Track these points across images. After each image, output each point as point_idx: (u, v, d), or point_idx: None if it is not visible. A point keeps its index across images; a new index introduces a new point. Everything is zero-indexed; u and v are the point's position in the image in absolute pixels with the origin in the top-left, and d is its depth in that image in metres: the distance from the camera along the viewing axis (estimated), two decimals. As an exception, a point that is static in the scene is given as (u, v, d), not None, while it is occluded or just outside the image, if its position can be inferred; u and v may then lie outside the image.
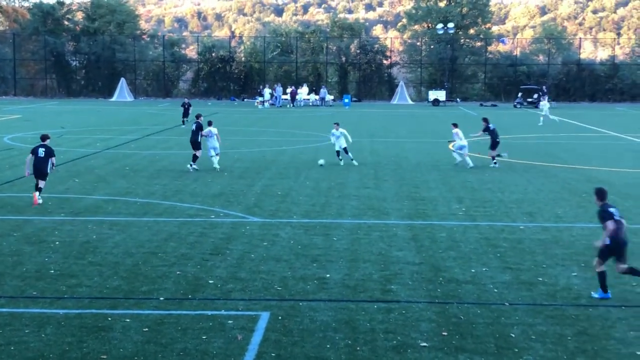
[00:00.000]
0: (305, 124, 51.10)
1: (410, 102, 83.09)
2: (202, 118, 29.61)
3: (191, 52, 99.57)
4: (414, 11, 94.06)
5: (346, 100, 76.25)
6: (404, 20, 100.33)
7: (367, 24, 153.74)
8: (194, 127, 28.87)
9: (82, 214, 19.95)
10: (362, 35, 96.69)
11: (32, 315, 11.93)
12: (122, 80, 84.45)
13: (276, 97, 74.47)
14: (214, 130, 28.61)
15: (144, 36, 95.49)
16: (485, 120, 30.80)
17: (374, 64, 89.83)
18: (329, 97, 77.41)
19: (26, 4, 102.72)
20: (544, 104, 56.08)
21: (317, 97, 76.91)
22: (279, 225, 18.88)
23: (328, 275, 14.37)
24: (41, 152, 21.47)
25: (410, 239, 17.48)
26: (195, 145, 28.35)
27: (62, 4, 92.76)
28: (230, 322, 11.77)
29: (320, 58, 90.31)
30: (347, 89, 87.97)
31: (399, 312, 12.36)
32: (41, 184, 21.35)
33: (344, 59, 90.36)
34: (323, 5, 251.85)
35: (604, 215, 13.12)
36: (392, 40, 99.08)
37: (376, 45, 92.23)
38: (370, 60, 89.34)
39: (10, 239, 16.89)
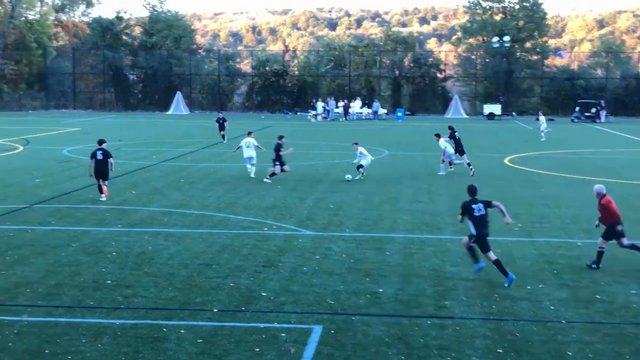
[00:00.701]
0: (357, 137, 50.95)
1: (464, 115, 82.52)
2: (284, 140, 29.61)
3: (245, 66, 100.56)
4: (469, 24, 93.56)
5: (399, 114, 76.06)
6: (459, 33, 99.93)
7: (421, 37, 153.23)
8: (275, 146, 29.21)
9: (139, 225, 20.23)
10: (416, 49, 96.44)
11: (89, 325, 12.11)
12: (178, 93, 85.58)
13: (329, 111, 74.66)
14: (252, 141, 29.95)
15: (199, 50, 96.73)
16: (450, 128, 31.98)
17: (428, 78, 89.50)
18: (382, 111, 77.36)
19: (86, 19, 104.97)
20: (542, 118, 54.57)
21: (369, 110, 76.89)
22: (331, 238, 18.89)
23: (381, 290, 14.31)
24: (100, 154, 23.83)
25: (465, 255, 17.28)
26: (278, 159, 28.77)
27: (120, 19, 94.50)
28: (283, 335, 11.80)
29: (373, 71, 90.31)
30: (400, 102, 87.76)
31: (452, 329, 12.25)
32: (104, 183, 23.70)
33: (397, 72, 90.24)
34: (377, 19, 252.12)
35: (464, 209, 15.21)
36: (446, 53, 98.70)
37: (430, 59, 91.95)
38: (424, 74, 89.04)
39: (69, 250, 17.21)
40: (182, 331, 11.87)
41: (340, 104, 76.78)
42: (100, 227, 19.89)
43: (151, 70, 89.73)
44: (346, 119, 74.07)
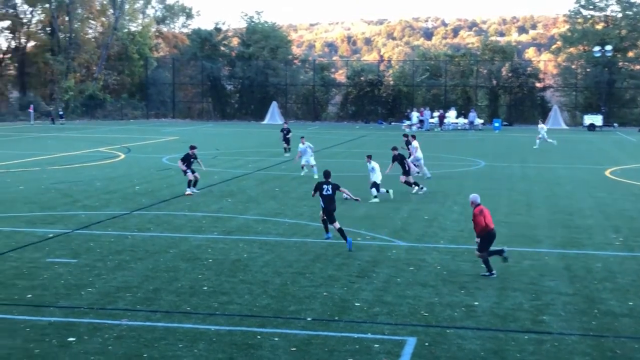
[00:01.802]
0: (452, 148, 50.52)
1: (564, 126, 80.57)
2: (397, 151, 29.20)
3: (340, 76, 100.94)
4: (569, 33, 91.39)
5: (496, 124, 74.88)
6: (559, 42, 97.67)
7: (519, 46, 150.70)
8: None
9: (234, 233, 20.52)
10: (514, 58, 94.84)
11: (186, 330, 12.33)
12: (274, 103, 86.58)
13: (423, 121, 74.15)
14: (307, 145, 33.15)
15: (295, 61, 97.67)
16: (394, 149, 30.37)
17: (526, 88, 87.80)
18: (479, 121, 76.32)
19: (186, 30, 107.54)
20: (541, 127, 53.30)
21: (465, 120, 76.01)
22: (425, 250, 18.71)
23: (476, 303, 14.08)
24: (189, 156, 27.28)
25: (564, 269, 16.88)
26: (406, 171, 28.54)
27: (219, 30, 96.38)
28: (376, 346, 11.73)
29: (469, 81, 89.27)
30: (498, 112, 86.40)
31: (550, 344, 11.93)
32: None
33: (494, 82, 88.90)
34: (474, 28, 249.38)
35: (316, 187, 19.49)
36: (545, 63, 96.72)
37: (529, 68, 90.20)
38: (522, 84, 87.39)
39: (167, 256, 17.59)
40: (276, 339, 11.94)
41: (436, 114, 76.17)
42: (197, 234, 20.26)
43: (248, 80, 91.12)
44: (441, 129, 73.42)
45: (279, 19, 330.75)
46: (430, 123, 74.70)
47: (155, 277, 15.57)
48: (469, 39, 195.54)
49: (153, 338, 11.88)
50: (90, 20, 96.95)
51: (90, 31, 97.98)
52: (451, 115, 76.61)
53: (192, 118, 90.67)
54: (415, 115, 74.34)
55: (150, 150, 46.15)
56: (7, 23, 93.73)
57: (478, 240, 16.14)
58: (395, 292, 14.78)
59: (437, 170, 36.09)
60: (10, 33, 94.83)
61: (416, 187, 28.65)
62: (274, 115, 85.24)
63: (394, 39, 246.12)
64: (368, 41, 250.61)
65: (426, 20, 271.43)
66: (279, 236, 20.11)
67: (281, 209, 24.61)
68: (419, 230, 21.27)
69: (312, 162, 33.50)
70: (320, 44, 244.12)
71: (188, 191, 27.45)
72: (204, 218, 22.62)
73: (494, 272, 16.07)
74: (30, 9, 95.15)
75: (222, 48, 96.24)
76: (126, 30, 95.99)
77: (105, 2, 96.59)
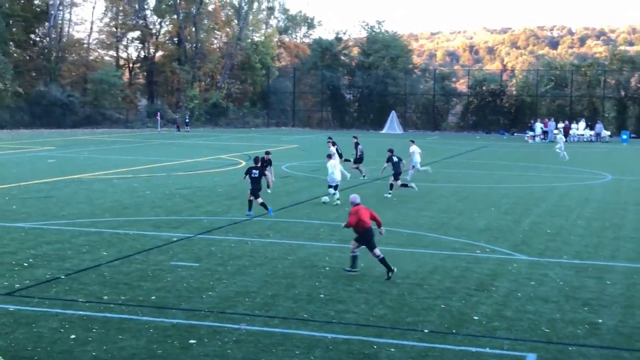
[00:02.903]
0: (577, 160, 49.02)
1: (697, 139, 76.91)
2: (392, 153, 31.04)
3: (461, 85, 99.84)
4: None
5: (624, 137, 72.23)
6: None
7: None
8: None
9: (351, 241, 20.51)
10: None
11: (303, 337, 12.42)
12: (393, 113, 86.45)
13: (547, 132, 72.34)
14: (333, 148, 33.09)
15: (415, 70, 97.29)
16: (390, 151, 31.71)
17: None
18: (606, 133, 73.80)
19: (307, 40, 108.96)
20: (560, 137, 51.07)
21: (592, 132, 73.66)
22: (547, 264, 18.21)
23: (600, 321, 13.58)
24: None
25: (695, 288, 16.07)
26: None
27: (339, 39, 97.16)
28: (494, 361, 11.49)
29: (596, 92, 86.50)
30: (626, 124, 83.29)
31: (680, 367, 11.38)
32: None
33: (623, 93, 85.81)
34: (602, 38, 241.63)
35: (247, 170, 24.77)
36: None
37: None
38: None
39: (285, 262, 17.80)
40: (393, 349, 11.87)
41: (560, 125, 74.16)
42: (315, 242, 20.42)
43: (367, 89, 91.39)
44: (566, 141, 71.37)
45: (400, 28, 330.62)
46: (554, 134, 72.82)
47: (274, 283, 15.77)
48: (596, 48, 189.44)
49: (271, 343, 12.03)
50: (215, 31, 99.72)
51: (215, 41, 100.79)
52: (580, 126, 74.40)
53: (312, 127, 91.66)
54: (539, 126, 72.64)
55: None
56: (137, 33, 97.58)
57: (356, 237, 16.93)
58: (515, 306, 14.44)
59: (561, 183, 35.17)
60: (140, 43, 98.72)
61: (413, 184, 30.86)
62: (392, 125, 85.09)
63: (517, 47, 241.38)
64: (491, 50, 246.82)
65: (551, 29, 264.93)
66: (397, 246, 20.01)
67: (399, 219, 24.49)
68: (541, 244, 20.73)
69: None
70: (441, 53, 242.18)
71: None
72: (321, 226, 22.78)
73: (357, 269, 16.78)
74: (159, 20, 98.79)
75: (343, 57, 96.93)
76: (249, 40, 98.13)
77: (230, 13, 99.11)
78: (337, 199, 27.39)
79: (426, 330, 12.88)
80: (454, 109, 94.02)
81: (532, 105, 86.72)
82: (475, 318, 13.64)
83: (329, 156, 29.44)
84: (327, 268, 17.25)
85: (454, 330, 12.91)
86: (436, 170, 40.86)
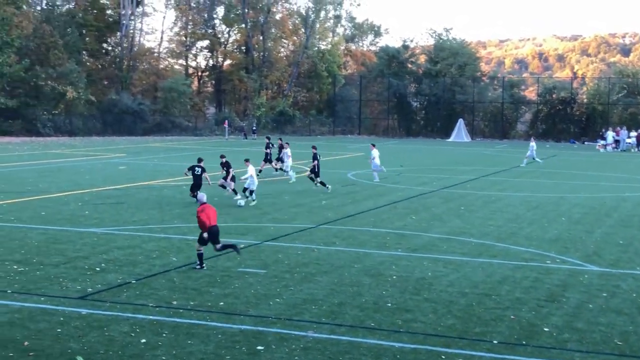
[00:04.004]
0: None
1: None
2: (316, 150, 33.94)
3: (531, 93, 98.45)
4: None
5: (700, 146, 70.19)
6: None
7: None
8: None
9: (418, 250, 20.43)
10: None
11: (370, 345, 12.38)
12: (460, 121, 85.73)
13: (619, 141, 70.76)
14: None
15: (483, 78, 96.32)
16: (313, 147, 34.84)
17: None
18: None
19: (373, 48, 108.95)
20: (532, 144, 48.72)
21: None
22: (620, 276, 17.79)
23: (676, 335, 13.21)
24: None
25: None
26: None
27: (406, 47, 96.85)
28: (565, 374, 11.26)
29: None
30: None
31: None
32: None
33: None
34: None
35: (190, 168, 28.88)
36: None
37: None
38: None
39: (352, 270, 17.78)
40: (460, 360, 11.76)
41: (633, 133, 72.47)
42: (381, 250, 20.35)
43: (434, 97, 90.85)
44: (638, 150, 69.75)
45: (468, 36, 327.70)
46: (627, 143, 71.22)
47: (340, 291, 15.77)
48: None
49: (338, 351, 12.02)
50: (282, 40, 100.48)
51: (282, 50, 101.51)
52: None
53: (378, 134, 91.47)
54: (610, 135, 71.13)
55: (336, 165, 46.95)
56: (206, 42, 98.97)
57: (205, 235, 17.50)
58: (586, 318, 14.15)
59: (634, 193, 34.35)
60: (209, 52, 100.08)
61: (319, 184, 33.14)
62: (460, 133, 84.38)
63: (588, 55, 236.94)
64: (560, 57, 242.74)
65: (623, 37, 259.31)
66: (465, 256, 19.81)
67: (467, 227, 24.25)
68: (613, 255, 20.27)
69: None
70: (510, 61, 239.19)
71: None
72: (388, 234, 22.70)
73: (204, 266, 17.62)
74: (228, 29, 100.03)
75: (409, 65, 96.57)
76: (316, 48, 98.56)
77: (297, 22, 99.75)
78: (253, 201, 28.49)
79: (495, 341, 12.70)
80: (523, 117, 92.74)
81: (603, 114, 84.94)
82: (546, 329, 13.40)
83: (247, 160, 30.08)
84: (394, 277, 17.16)
85: (523, 342, 12.71)
86: (502, 178, 40.36)
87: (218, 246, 17.80)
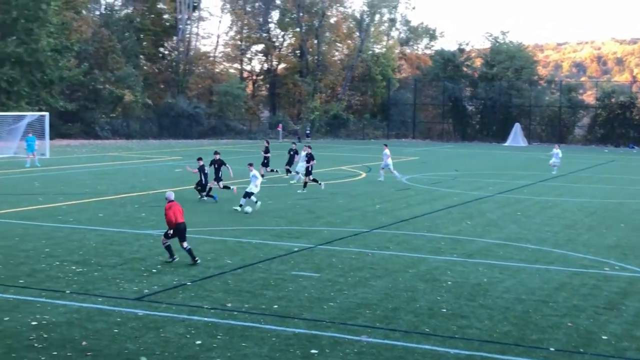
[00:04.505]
0: None
1: None
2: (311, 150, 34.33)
3: (589, 97, 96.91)
4: None
5: None
6: None
7: None
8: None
9: (473, 256, 20.23)
10: None
11: (424, 351, 12.28)
12: (517, 125, 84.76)
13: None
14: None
15: (541, 81, 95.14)
16: (308, 147, 35.73)
17: None
18: None
19: (428, 52, 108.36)
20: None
21: None
22: (682, 284, 17.37)
23: None
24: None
25: None
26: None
27: (462, 50, 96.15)
28: (625, 384, 11.02)
29: None
30: None
31: None
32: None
33: None
34: None
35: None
36: None
37: None
38: None
39: (406, 275, 17.67)
40: (517, 368, 11.58)
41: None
42: (436, 255, 20.19)
43: (490, 101, 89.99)
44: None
45: (524, 39, 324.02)
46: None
47: (394, 296, 15.68)
48: None
49: (392, 357, 11.94)
50: (337, 43, 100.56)
51: (336, 53, 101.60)
52: None
53: (432, 139, 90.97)
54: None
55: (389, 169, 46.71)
56: (261, 47, 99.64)
57: (170, 232, 18.27)
58: (647, 327, 13.84)
59: (695, 199, 33.54)
60: (264, 56, 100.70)
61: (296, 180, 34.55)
62: (516, 137, 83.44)
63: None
64: (619, 61, 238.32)
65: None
66: (521, 262, 19.54)
67: (523, 233, 23.93)
68: (675, 262, 19.80)
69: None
70: (567, 64, 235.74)
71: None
72: (442, 239, 22.52)
73: (175, 257, 18.41)
74: (282, 33, 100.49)
75: (465, 69, 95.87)
76: (370, 52, 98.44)
77: (351, 26, 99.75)
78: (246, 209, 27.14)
79: (552, 349, 12.50)
80: (581, 122, 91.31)
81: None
82: (604, 337, 13.14)
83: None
84: (449, 282, 17.01)
85: (581, 350, 12.48)
86: (560, 183, 39.78)
87: (185, 244, 18.32)
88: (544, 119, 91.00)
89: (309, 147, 36.32)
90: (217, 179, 30.58)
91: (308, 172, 34.33)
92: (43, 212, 26.32)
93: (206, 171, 30.18)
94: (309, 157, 34.56)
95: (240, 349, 12.15)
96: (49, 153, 52.25)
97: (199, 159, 30.59)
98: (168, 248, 18.49)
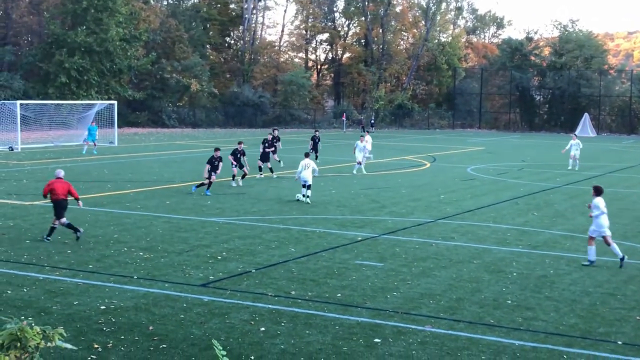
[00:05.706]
0: None
1: None
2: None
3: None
4: None
5: None
6: None
7: None
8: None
9: (540, 247, 19.94)
10: None
11: (489, 342, 12.17)
12: (586, 115, 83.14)
13: None
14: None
15: (611, 71, 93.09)
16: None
17: None
18: None
19: (496, 40, 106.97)
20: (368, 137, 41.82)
21: None
22: None
23: None
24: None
25: None
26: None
27: (530, 39, 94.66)
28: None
29: None
30: None
31: None
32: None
33: None
34: None
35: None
36: None
37: None
38: None
39: (471, 266, 17.53)
40: (583, 361, 11.41)
41: None
42: (501, 246, 19.97)
43: (558, 90, 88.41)
44: None
45: (594, 27, 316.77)
46: None
47: (458, 287, 15.57)
48: None
49: (456, 347, 11.88)
50: (402, 32, 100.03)
51: (401, 42, 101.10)
52: None
53: (498, 129, 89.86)
54: None
55: (455, 159, 46.41)
56: (325, 36, 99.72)
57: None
58: None
59: None
60: (328, 45, 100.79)
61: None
62: (585, 128, 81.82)
63: None
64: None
65: None
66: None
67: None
68: None
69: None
70: (638, 53, 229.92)
71: (233, 184, 30.96)
72: (508, 230, 22.25)
73: (80, 230, 19.28)
74: (347, 22, 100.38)
75: (533, 58, 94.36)
76: (436, 41, 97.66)
77: (417, 14, 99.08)
78: (306, 198, 26.90)
79: (620, 342, 12.27)
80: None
81: None
82: (675, 333, 12.84)
83: (307, 154, 28.95)
84: (515, 274, 16.81)
85: (651, 345, 12.23)
86: (630, 175, 38.87)
87: (63, 220, 19.16)
88: (613, 109, 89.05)
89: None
90: (240, 165, 31.50)
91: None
92: (112, 199, 26.88)
93: (238, 156, 31.32)
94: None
95: (303, 336, 12.23)
96: (117, 141, 53.28)
97: (216, 149, 30.37)
98: (70, 226, 19.29)
